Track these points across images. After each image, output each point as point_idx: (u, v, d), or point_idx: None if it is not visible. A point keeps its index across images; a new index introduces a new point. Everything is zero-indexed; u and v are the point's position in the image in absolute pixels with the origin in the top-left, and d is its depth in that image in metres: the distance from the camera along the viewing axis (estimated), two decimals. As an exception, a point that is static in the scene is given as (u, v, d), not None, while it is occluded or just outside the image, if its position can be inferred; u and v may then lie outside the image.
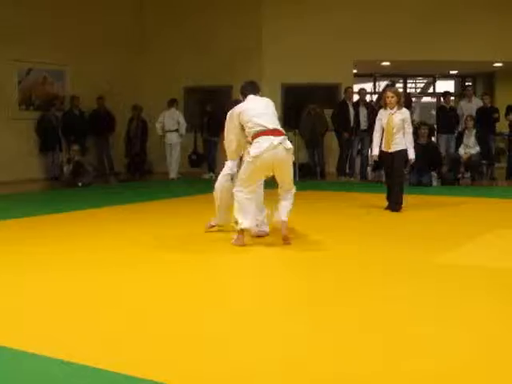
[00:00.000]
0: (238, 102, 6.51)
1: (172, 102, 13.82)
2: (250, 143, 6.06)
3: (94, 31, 14.06)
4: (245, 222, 6.07)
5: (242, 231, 6.10)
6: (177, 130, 13.72)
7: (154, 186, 13.08)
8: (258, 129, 6.00)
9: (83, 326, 3.76)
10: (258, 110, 6.15)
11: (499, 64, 15.75)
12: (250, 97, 6.33)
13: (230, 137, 6.36)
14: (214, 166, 13.87)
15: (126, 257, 5.75)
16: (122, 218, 8.23)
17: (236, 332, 3.65)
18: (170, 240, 6.50)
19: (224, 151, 6.69)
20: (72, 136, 13.19)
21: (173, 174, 13.75)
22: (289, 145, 6.07)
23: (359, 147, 13.35)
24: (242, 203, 6.08)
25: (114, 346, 3.42)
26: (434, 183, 11.62)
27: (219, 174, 6.74)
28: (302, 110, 13.32)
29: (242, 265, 5.57)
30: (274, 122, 6.11)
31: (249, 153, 6.01)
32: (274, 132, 6.02)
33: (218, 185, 6.63)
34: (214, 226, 6.82)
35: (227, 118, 6.39)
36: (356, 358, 3.18)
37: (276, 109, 6.45)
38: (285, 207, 6.17)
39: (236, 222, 6.12)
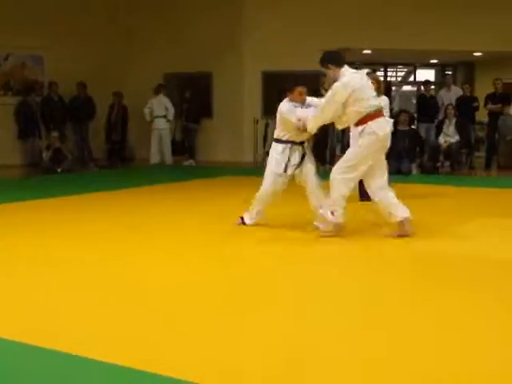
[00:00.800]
0: (291, 88, 6.23)
1: (159, 88, 13.79)
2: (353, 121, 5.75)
3: (73, 17, 13.88)
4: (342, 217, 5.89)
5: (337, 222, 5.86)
6: (165, 116, 13.71)
7: (134, 173, 12.99)
8: (374, 109, 5.72)
9: (77, 318, 3.74)
10: (369, 88, 5.81)
11: (479, 53, 15.83)
12: (350, 70, 5.80)
13: (329, 114, 5.78)
14: (194, 153, 13.90)
15: (111, 245, 5.73)
16: (102, 204, 8.18)
17: (234, 327, 3.59)
18: (162, 227, 6.44)
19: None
20: (51, 123, 13.08)
21: (169, 161, 13.77)
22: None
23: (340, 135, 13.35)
24: (346, 192, 5.84)
25: (117, 339, 3.36)
26: (414, 171, 11.66)
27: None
28: (283, 98, 13.24)
29: (241, 260, 5.43)
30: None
31: (373, 132, 5.63)
32: (382, 112, 5.94)
33: (270, 188, 6.22)
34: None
35: (330, 92, 5.70)
36: (358, 355, 3.15)
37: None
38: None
39: (332, 213, 5.83)
